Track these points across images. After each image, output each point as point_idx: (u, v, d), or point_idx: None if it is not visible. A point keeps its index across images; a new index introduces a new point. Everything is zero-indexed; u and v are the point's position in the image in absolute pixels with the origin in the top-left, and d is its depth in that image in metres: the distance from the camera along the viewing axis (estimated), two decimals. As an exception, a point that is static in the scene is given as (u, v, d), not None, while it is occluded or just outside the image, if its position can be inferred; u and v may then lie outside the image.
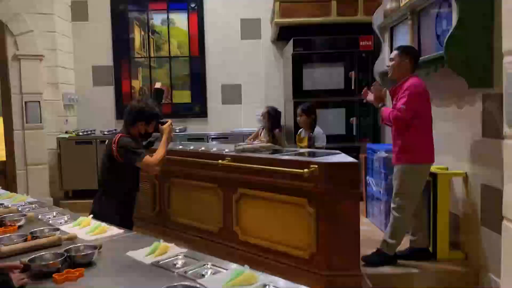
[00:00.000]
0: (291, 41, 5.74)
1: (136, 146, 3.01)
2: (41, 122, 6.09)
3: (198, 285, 1.60)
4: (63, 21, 6.59)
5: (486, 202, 3.32)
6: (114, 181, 3.09)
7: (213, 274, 1.83)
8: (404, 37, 4.39)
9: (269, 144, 4.15)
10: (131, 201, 3.23)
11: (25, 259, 1.86)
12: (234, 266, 1.89)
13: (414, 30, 4.06)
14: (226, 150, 3.87)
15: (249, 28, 6.90)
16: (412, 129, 3.39)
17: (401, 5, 4.26)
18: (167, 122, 3.18)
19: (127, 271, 1.87)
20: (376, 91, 3.62)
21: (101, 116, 6.97)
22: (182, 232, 4.14)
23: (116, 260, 2.00)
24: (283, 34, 6.18)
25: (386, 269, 3.44)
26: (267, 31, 6.87)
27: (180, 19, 6.94)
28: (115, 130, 5.68)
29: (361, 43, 5.61)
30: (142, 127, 3.09)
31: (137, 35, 6.98)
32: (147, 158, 2.99)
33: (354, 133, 5.70)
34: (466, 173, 3.58)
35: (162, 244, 2.11)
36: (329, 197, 3.04)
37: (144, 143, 3.28)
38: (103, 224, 2.53)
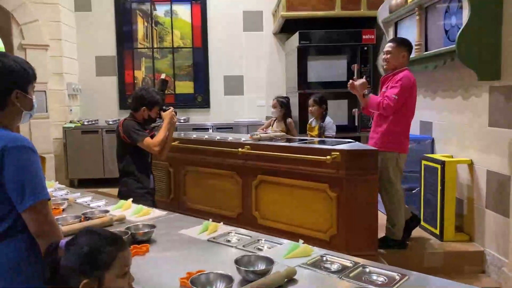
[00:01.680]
0: (296, 34, 5.90)
1: (138, 128, 3.28)
2: (47, 112, 6.14)
3: (265, 255, 1.76)
4: (67, 11, 6.62)
5: (491, 187, 3.56)
6: (127, 161, 3.33)
7: (269, 248, 2.00)
8: (409, 32, 4.61)
9: (282, 133, 4.32)
10: (147, 179, 3.42)
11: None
12: (286, 241, 2.07)
13: (421, 25, 4.27)
14: (243, 139, 4.03)
15: (251, 20, 7.03)
16: (397, 118, 3.57)
17: (409, 0, 4.46)
18: (169, 109, 3.42)
19: (189, 247, 2.03)
20: (360, 82, 3.75)
21: (104, 106, 7.04)
22: (198, 218, 4.28)
23: (173, 238, 2.16)
24: (286, 27, 6.33)
25: (398, 250, 3.67)
26: (269, 24, 7.01)
27: (183, 11, 7.03)
28: (118, 119, 5.79)
29: (363, 37, 5.80)
30: (145, 112, 3.34)
31: (140, 26, 7.04)
32: (148, 139, 3.26)
33: (356, 124, 5.91)
34: (471, 160, 3.81)
35: (212, 223, 2.28)
36: (350, 182, 3.23)
37: (147, 127, 3.50)
38: (145, 207, 2.67)
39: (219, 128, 6.57)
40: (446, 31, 3.92)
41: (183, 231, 2.24)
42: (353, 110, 5.91)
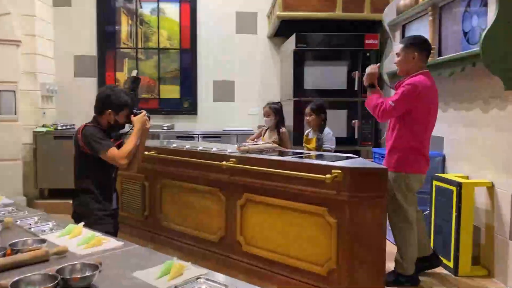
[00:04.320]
0: (292, 37, 5.41)
1: (101, 136, 2.71)
2: (15, 114, 5.55)
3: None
4: (43, 5, 6.07)
5: (516, 215, 3.05)
6: (86, 176, 2.79)
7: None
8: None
9: (274, 145, 3.78)
10: (110, 199, 2.87)
11: (5, 281, 1.45)
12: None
13: (435, 27, 3.77)
14: (229, 150, 3.49)
15: (245, 22, 6.53)
16: (401, 133, 3.11)
17: (420, 0, 3.97)
18: (140, 113, 2.86)
19: (139, 301, 1.48)
20: (371, 69, 3.25)
21: (82, 110, 6.41)
22: (175, 240, 3.74)
23: (123, 284, 1.60)
24: (282, 29, 5.84)
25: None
26: (264, 26, 6.51)
27: (171, 9, 6.51)
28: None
29: (366, 42, 5.32)
30: (111, 116, 2.77)
31: (124, 24, 6.51)
32: (113, 150, 2.68)
33: (356, 136, 5.40)
34: (492, 182, 3.30)
35: (176, 263, 1.72)
36: (353, 206, 2.70)
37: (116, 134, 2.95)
38: (98, 234, 2.12)
39: (206, 137, 6.03)
40: (465, 33, 3.42)
41: (138, 273, 1.68)
42: (353, 121, 5.43)
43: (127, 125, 2.93)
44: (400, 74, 3.22)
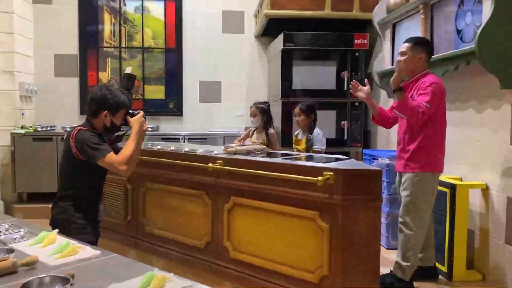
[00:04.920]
0: (280, 36, 5.29)
1: (97, 141, 2.50)
2: (-8, 115, 5.34)
3: None
4: (23, 2, 5.86)
5: (513, 217, 2.95)
6: (74, 183, 2.58)
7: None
8: (409, 34, 4.01)
9: (262, 146, 3.64)
10: (93, 208, 2.68)
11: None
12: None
13: (426, 25, 3.68)
14: (215, 152, 3.33)
15: (232, 21, 6.40)
16: (429, 133, 3.00)
17: (411, -2, 3.88)
18: (138, 113, 2.66)
19: (114, 319, 1.33)
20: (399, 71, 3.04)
21: (63, 111, 6.27)
22: (159, 246, 3.57)
23: (96, 299, 1.45)
24: (270, 28, 5.71)
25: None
26: (251, 25, 6.38)
27: (155, 7, 6.34)
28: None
29: (355, 41, 5.22)
30: (108, 118, 2.57)
31: (107, 23, 6.31)
32: (111, 155, 2.47)
33: (345, 138, 5.29)
34: (486, 184, 3.21)
35: (158, 274, 1.57)
36: (346, 210, 2.56)
37: (112, 137, 2.75)
38: (73, 242, 1.96)
39: (192, 138, 5.88)
40: (459, 31, 3.33)
41: (114, 286, 1.52)
42: (342, 122, 5.32)
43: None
44: (402, 73, 3.07)
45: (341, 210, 2.56)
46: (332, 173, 2.55)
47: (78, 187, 2.58)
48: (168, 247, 3.50)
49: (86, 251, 1.92)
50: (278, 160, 2.94)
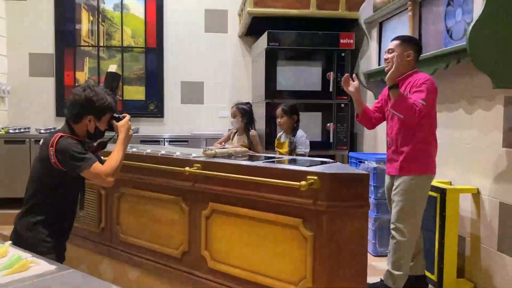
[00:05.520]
0: (264, 35, 5.12)
1: (81, 150, 2.24)
2: (-39, 116, 5.07)
3: None
4: (-5, -2, 5.61)
5: (505, 223, 2.81)
6: (47, 195, 2.31)
7: None
8: (396, 33, 3.83)
9: (244, 149, 3.47)
10: (66, 223, 2.46)
11: None
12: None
13: (415, 23, 3.54)
14: (194, 155, 3.14)
15: (215, 20, 6.22)
16: (424, 133, 2.86)
17: (398, -5, 3.75)
18: (124, 117, 2.42)
19: None
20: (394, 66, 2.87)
21: (38, 112, 6.03)
22: (133, 254, 3.36)
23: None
24: (254, 28, 5.55)
25: (390, 304, 2.85)
26: (235, 25, 6.21)
27: (135, 5, 6.13)
28: (55, 128, 4.77)
29: (341, 41, 5.08)
30: (91, 123, 2.31)
31: (85, 20, 6.08)
32: (97, 166, 2.23)
33: (331, 140, 5.13)
34: (478, 189, 3.07)
35: (116, 294, 1.37)
36: (332, 217, 2.39)
37: (93, 144, 2.50)
38: (26, 256, 1.75)
39: (173, 141, 5.67)
40: (448, 29, 3.19)
41: (64, 310, 1.32)
42: (328, 124, 5.17)
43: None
44: (401, 69, 2.91)
45: (326, 217, 2.38)
46: (316, 177, 2.38)
47: (54, 200, 2.32)
48: (143, 256, 3.30)
49: (41, 265, 1.70)
50: (259, 163, 2.76)
